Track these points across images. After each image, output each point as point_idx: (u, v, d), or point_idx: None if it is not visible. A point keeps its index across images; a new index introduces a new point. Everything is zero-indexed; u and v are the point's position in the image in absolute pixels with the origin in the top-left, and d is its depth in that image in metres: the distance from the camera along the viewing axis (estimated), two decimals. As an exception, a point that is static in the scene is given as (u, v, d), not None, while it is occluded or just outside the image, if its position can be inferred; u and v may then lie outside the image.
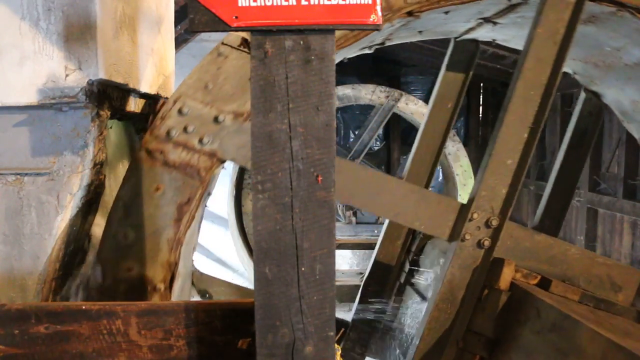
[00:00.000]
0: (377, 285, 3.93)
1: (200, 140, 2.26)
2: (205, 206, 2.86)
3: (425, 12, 2.48)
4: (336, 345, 1.62)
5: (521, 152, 2.47)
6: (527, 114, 2.46)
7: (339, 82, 10.29)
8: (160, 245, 2.25)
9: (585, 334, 1.97)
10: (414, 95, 12.04)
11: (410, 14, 2.45)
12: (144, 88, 2.60)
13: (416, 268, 3.65)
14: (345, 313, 4.72)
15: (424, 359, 2.50)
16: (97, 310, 1.73)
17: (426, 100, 9.93)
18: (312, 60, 1.46)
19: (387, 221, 4.01)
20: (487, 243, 2.49)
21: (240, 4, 1.42)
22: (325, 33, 1.46)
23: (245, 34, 2.28)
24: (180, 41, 7.50)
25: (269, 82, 1.47)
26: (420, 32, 3.20)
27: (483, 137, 15.34)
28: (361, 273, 8.29)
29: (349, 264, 10.44)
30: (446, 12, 2.67)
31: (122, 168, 2.59)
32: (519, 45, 2.58)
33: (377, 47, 3.34)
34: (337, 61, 1.95)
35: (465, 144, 12.29)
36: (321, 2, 1.42)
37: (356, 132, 14.36)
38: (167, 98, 2.82)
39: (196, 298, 3.12)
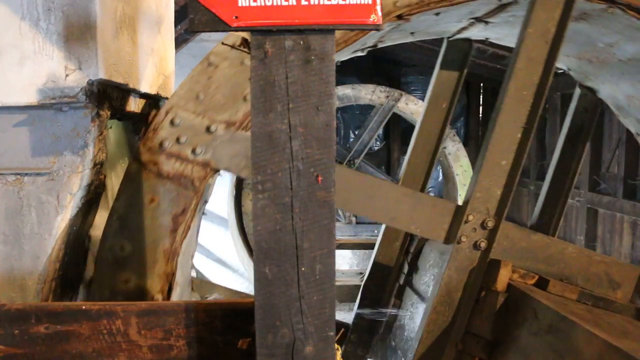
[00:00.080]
0: (376, 287, 3.93)
1: (193, 151, 2.27)
2: (204, 214, 2.87)
3: (415, 15, 2.48)
4: (336, 346, 1.62)
5: (515, 153, 2.47)
6: (520, 114, 2.46)
7: (339, 82, 10.29)
8: (156, 256, 2.26)
9: (582, 335, 1.97)
10: (414, 95, 12.03)
11: (400, 17, 2.45)
12: (144, 88, 2.60)
13: (415, 269, 3.65)
14: (346, 313, 4.72)
15: None
16: (97, 310, 1.73)
17: (426, 100, 9.90)
18: (312, 60, 1.46)
19: (384, 223, 4.01)
20: (483, 244, 2.49)
21: (240, 4, 1.42)
22: (325, 33, 1.46)
23: (245, 34, 2.28)
24: (180, 41, 7.50)
25: (269, 82, 1.47)
26: (412, 33, 3.21)
27: (483, 137, 15.32)
28: (361, 273, 8.30)
29: (349, 264, 10.43)
30: (437, 14, 2.67)
31: (122, 168, 2.59)
32: (512, 43, 2.59)
33: (370, 49, 3.34)
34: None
35: (465, 144, 12.30)
36: (321, 2, 1.42)
37: (356, 132, 14.35)
38: (167, 98, 2.83)
39: (196, 302, 3.12)
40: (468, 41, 3.62)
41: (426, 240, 3.69)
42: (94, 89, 2.14)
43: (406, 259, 3.83)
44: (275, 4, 1.42)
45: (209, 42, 7.96)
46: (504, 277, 2.44)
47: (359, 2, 1.43)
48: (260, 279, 1.52)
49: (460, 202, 2.56)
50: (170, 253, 2.27)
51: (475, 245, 2.49)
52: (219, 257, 10.22)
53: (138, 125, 2.74)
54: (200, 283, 3.14)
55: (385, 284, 3.93)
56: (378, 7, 1.43)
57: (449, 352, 2.49)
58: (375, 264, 3.96)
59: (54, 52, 2.12)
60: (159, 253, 2.26)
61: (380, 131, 13.33)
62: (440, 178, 14.03)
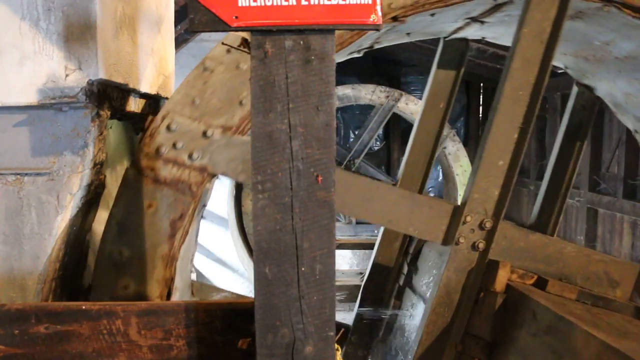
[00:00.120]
0: (376, 288, 3.93)
1: (190, 156, 2.27)
2: (202, 217, 2.87)
3: (410, 16, 2.48)
4: (336, 346, 1.62)
5: (512, 153, 2.47)
6: (516, 114, 2.46)
7: (339, 82, 10.30)
8: (155, 262, 2.26)
9: (580, 336, 1.98)
10: (414, 95, 12.04)
11: (395, 19, 2.45)
12: (144, 88, 2.60)
13: (415, 270, 3.65)
14: (346, 313, 4.72)
15: None
16: (97, 310, 1.73)
17: (426, 100, 9.90)
18: (312, 60, 1.46)
19: (383, 224, 4.01)
20: (481, 245, 2.49)
21: (240, 4, 1.42)
22: (325, 33, 1.46)
23: (245, 34, 2.28)
24: (180, 41, 7.50)
25: (269, 82, 1.46)
26: (408, 34, 3.21)
27: (483, 137, 15.30)
28: (361, 273, 8.30)
29: (349, 264, 10.44)
30: (432, 15, 2.67)
31: (122, 168, 2.59)
32: (509, 42, 2.59)
33: (366, 50, 3.35)
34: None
35: (465, 144, 12.29)
36: (321, 2, 1.42)
37: (356, 132, 14.36)
38: (167, 98, 2.83)
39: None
40: (465, 41, 3.62)
41: (425, 241, 3.69)
42: (94, 89, 2.14)
43: (405, 259, 3.83)
44: (275, 4, 1.42)
45: (209, 42, 7.96)
46: (502, 278, 2.44)
47: (359, 2, 1.43)
48: (260, 279, 1.52)
49: (459, 203, 2.56)
50: (168, 258, 2.27)
51: (474, 246, 2.49)
52: (219, 257, 10.22)
53: (138, 125, 2.75)
54: (200, 286, 3.14)
55: (385, 284, 3.93)
56: (378, 7, 1.43)
57: (449, 354, 2.49)
58: (374, 264, 3.96)
59: (54, 52, 2.12)
60: (157, 258, 2.26)
61: (380, 131, 13.33)
62: (440, 178, 14.03)
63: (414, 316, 3.41)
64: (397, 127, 15.23)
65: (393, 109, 11.33)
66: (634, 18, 2.58)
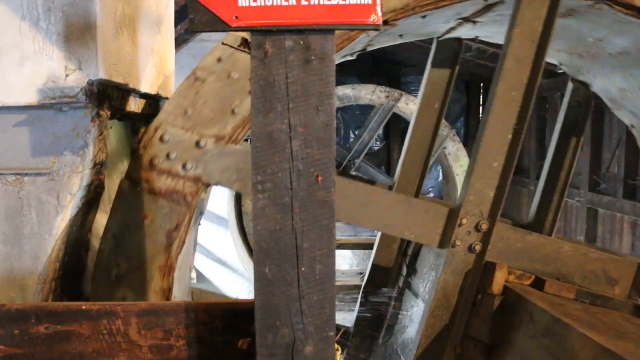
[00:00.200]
0: (376, 290, 3.92)
1: (184, 166, 2.27)
2: (199, 224, 2.87)
3: (401, 19, 2.48)
4: (336, 346, 1.62)
5: (506, 154, 2.46)
6: (509, 115, 2.45)
7: (339, 82, 10.29)
8: (152, 273, 2.27)
9: (577, 338, 1.98)
10: (414, 95, 12.02)
11: (386, 22, 2.46)
12: (144, 88, 2.60)
13: (413, 271, 3.65)
14: (346, 313, 4.72)
15: None
16: (97, 310, 1.73)
17: (426, 100, 9.90)
18: (312, 60, 1.46)
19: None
20: (478, 247, 2.48)
21: (240, 4, 1.42)
22: (325, 33, 1.46)
23: (245, 34, 2.28)
24: (180, 41, 7.50)
25: (269, 82, 1.47)
26: (400, 35, 3.22)
27: (482, 137, 15.30)
28: (361, 273, 8.30)
29: (349, 264, 10.43)
30: (423, 17, 2.67)
31: (122, 168, 2.59)
32: (502, 41, 2.59)
33: (359, 53, 3.35)
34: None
35: (465, 144, 12.28)
36: (321, 2, 1.42)
37: (356, 132, 14.36)
38: (167, 98, 2.83)
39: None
40: (458, 40, 3.61)
41: (424, 242, 3.68)
42: (94, 89, 2.14)
43: (404, 261, 3.82)
44: (275, 4, 1.42)
45: (209, 42, 7.96)
46: (499, 280, 2.44)
47: (359, 2, 1.43)
48: (260, 279, 1.52)
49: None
50: (165, 269, 2.28)
51: (470, 248, 2.48)
52: (219, 257, 10.22)
53: (138, 125, 2.75)
54: (200, 293, 3.15)
55: (385, 286, 3.92)
56: (378, 7, 1.43)
57: (448, 356, 2.49)
58: (374, 266, 3.95)
59: (54, 52, 2.12)
60: (154, 269, 2.27)
61: (380, 131, 13.33)
62: (441, 178, 14.03)
63: (414, 318, 3.41)
64: (397, 127, 15.24)
65: (393, 109, 11.33)
66: (625, 14, 2.57)
